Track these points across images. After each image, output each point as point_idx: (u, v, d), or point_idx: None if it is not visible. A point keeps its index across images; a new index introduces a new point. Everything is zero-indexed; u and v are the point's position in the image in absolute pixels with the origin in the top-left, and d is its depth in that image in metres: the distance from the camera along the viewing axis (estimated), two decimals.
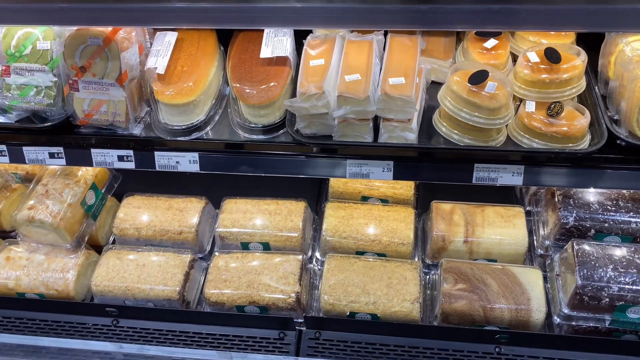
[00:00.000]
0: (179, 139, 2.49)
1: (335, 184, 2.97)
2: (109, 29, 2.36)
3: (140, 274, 2.64)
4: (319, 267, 2.85)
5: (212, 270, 2.65)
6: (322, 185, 3.18)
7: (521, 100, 2.36)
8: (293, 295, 2.56)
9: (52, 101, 2.49)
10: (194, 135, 2.49)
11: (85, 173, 2.84)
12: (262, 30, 2.58)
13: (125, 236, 2.85)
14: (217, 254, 2.73)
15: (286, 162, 2.48)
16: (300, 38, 2.54)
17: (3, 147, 2.64)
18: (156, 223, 2.83)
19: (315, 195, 3.17)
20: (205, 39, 2.64)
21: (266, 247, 2.80)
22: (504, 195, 3.12)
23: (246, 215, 2.83)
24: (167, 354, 2.40)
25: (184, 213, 2.86)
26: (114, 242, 2.98)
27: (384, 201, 2.93)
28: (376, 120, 2.35)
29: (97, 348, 2.44)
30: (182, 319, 2.62)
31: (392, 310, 2.51)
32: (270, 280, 2.58)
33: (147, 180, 3.16)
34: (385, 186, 2.92)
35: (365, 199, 2.94)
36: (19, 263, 2.72)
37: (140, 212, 2.87)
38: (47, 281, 2.67)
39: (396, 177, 2.41)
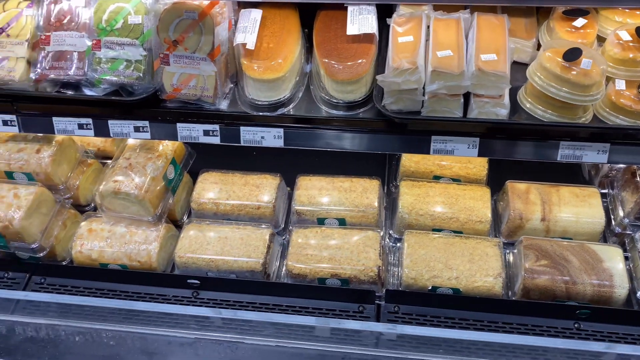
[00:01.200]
0: (266, 114, 2.54)
1: (406, 163, 3.01)
2: (205, 2, 2.41)
3: (223, 246, 2.69)
4: (392, 244, 2.90)
5: (293, 243, 2.70)
6: (388, 164, 3.22)
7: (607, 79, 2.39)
8: (375, 269, 2.60)
9: (141, 75, 2.54)
10: (280, 111, 2.54)
11: (165, 148, 2.89)
12: (344, 9, 2.62)
13: (204, 210, 2.90)
14: (295, 228, 2.78)
15: (371, 137, 2.52)
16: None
17: (88, 120, 2.70)
18: (234, 198, 2.88)
19: (380, 174, 3.20)
20: (287, 18, 2.69)
21: (342, 223, 2.84)
22: (572, 177, 3.16)
23: (322, 192, 2.88)
24: (264, 319, 2.45)
25: (261, 189, 2.91)
26: (188, 216, 3.03)
27: (456, 180, 2.96)
28: (464, 96, 2.39)
29: (196, 313, 2.49)
30: (265, 291, 2.68)
31: (474, 285, 2.55)
32: (352, 254, 2.63)
33: (210, 158, 3.21)
34: (458, 165, 2.95)
35: (437, 178, 2.98)
36: (102, 235, 2.78)
37: (217, 187, 2.92)
38: (130, 252, 2.73)
39: (481, 154, 2.44)
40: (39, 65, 2.62)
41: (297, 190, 2.92)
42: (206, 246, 2.71)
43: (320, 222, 2.86)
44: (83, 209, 3.11)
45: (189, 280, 2.71)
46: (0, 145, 2.88)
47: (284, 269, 2.74)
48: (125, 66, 2.56)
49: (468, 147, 2.43)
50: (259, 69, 2.47)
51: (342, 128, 2.52)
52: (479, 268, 2.57)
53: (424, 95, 2.34)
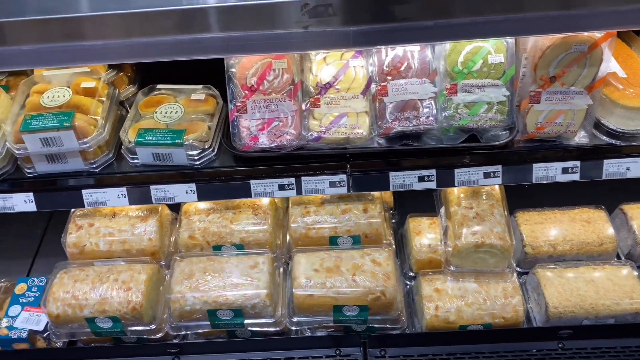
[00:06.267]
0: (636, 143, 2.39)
1: None
2: (597, 34, 2.25)
3: (597, 290, 2.49)
4: None
5: None
6: None
7: None
8: None
9: (504, 117, 2.36)
10: None
11: (494, 190, 2.69)
12: None
13: (539, 254, 2.69)
14: None
15: None
16: None
17: (431, 172, 2.50)
18: (571, 237, 2.68)
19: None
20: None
21: None
22: None
23: None
24: None
25: (593, 224, 2.72)
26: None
27: None
28: None
29: None
30: None
31: None
32: None
33: None
34: None
35: None
36: (453, 294, 2.53)
37: (547, 228, 2.72)
38: (493, 309, 2.49)
39: None
40: (380, 118, 2.43)
41: (631, 221, 2.74)
42: (578, 292, 2.50)
43: None
44: None
45: (560, 332, 2.50)
46: (317, 209, 2.64)
47: None
48: (487, 109, 2.38)
49: None
50: (635, 97, 2.33)
51: None
52: None
53: None
